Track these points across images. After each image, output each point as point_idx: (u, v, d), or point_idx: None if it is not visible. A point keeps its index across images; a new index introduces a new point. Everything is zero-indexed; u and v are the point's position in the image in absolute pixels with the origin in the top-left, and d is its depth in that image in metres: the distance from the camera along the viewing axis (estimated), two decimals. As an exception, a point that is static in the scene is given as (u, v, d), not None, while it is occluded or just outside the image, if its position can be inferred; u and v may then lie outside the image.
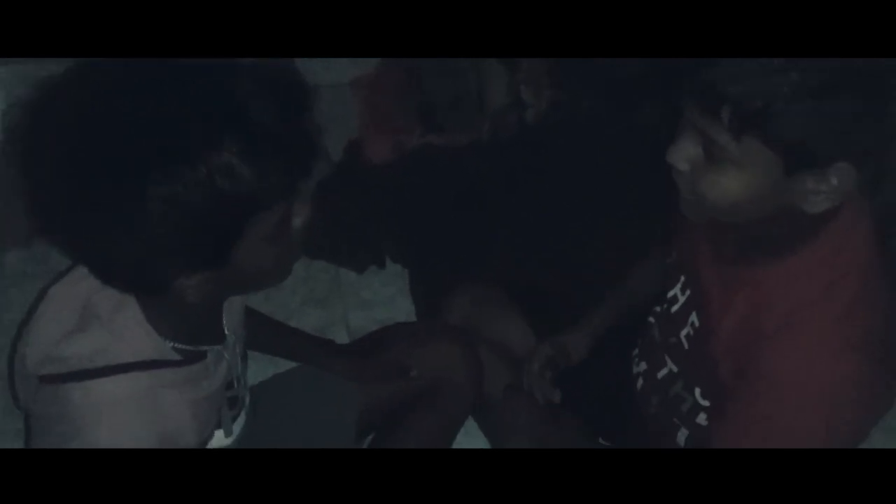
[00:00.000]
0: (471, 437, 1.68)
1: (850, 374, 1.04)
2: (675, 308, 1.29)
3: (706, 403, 1.26)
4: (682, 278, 1.29)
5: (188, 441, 1.09)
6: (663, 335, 1.36)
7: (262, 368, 1.59)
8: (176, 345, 1.08)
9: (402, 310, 2.08)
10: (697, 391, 1.28)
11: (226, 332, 1.19)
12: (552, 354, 1.47)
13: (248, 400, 1.29)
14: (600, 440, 1.47)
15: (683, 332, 1.28)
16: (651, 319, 1.43)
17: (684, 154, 1.05)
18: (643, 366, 1.41)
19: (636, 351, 1.45)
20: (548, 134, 2.20)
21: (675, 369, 1.34)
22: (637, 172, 1.74)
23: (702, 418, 1.27)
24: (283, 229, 1.00)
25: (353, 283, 2.16)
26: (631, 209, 1.91)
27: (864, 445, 1.11)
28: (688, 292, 1.27)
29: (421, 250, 2.07)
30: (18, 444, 1.72)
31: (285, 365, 1.56)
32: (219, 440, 1.20)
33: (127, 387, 1.02)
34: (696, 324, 1.25)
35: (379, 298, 2.13)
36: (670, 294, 1.31)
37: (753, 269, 1.13)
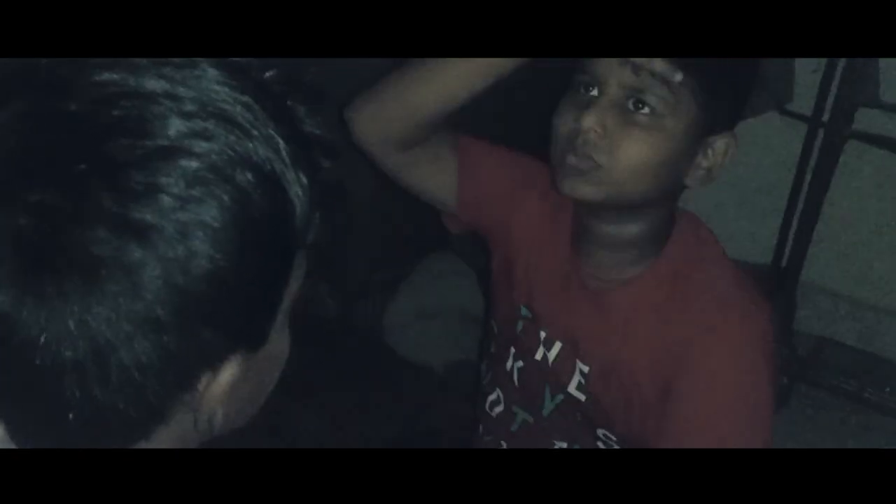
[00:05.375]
0: None
1: (760, 366, 1.13)
2: (551, 365, 1.26)
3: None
4: (543, 334, 1.25)
5: None
6: (534, 412, 1.32)
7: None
8: None
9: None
10: (600, 445, 1.29)
11: None
12: None
13: None
14: None
15: (572, 385, 1.24)
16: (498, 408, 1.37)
17: (601, 119, 1.04)
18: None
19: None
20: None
21: (564, 445, 1.32)
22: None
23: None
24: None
25: None
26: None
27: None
28: (557, 345, 1.24)
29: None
30: None
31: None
32: None
33: None
34: (586, 369, 1.23)
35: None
36: (538, 357, 1.26)
37: (622, 287, 1.16)
